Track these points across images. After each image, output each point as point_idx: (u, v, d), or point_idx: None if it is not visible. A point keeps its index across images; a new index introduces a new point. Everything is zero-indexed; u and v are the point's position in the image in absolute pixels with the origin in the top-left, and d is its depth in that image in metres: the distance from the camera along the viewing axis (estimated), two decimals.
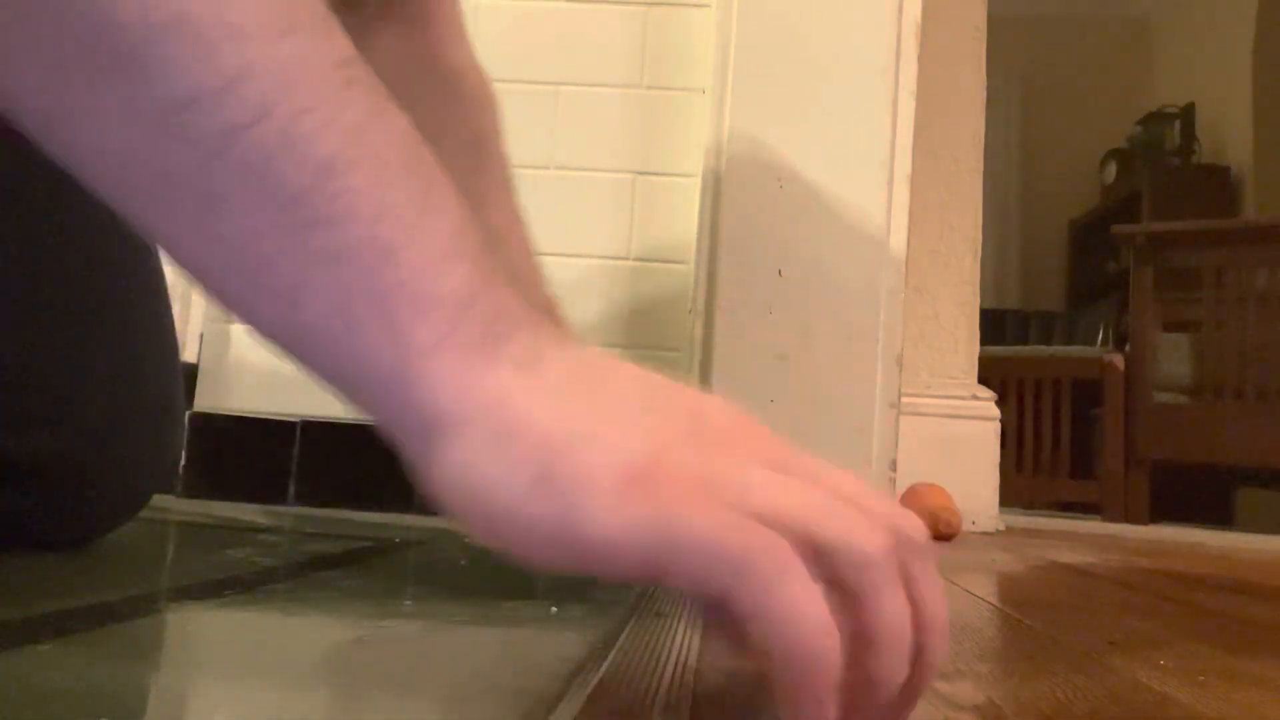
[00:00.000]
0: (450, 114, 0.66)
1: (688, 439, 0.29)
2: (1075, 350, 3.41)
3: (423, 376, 0.29)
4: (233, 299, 0.31)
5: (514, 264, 0.64)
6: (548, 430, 0.28)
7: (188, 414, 1.05)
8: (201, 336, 1.17)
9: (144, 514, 0.62)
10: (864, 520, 0.27)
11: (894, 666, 0.26)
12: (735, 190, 1.11)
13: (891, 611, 0.27)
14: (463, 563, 0.70)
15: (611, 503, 0.26)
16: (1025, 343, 3.87)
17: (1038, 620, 0.60)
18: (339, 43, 0.31)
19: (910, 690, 0.28)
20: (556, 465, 0.27)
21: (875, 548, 0.27)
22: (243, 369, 1.15)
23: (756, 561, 0.25)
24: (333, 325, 0.29)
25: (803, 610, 0.25)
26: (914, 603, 0.27)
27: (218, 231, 0.29)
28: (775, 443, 0.32)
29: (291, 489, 1.10)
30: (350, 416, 1.19)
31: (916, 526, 0.29)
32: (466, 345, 0.29)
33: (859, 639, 0.26)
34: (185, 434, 1.08)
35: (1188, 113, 4.11)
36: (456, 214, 0.31)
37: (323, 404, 1.20)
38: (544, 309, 0.63)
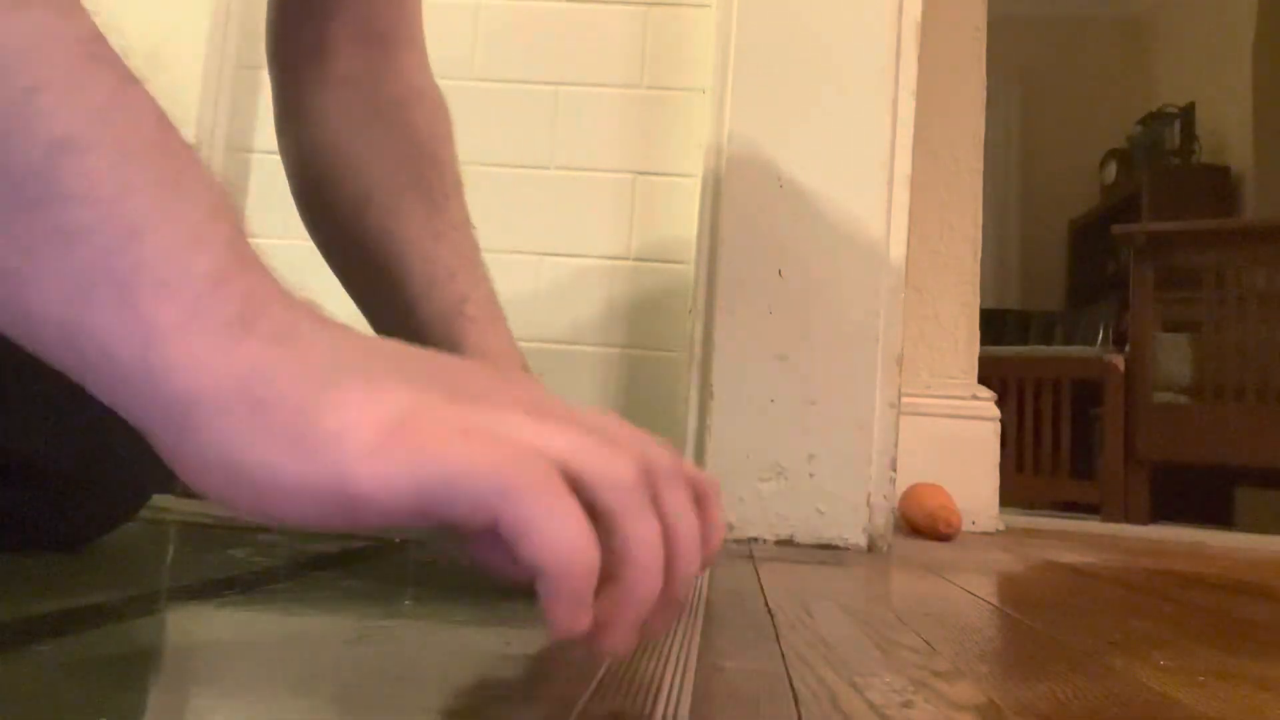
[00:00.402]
0: (407, 129, 0.68)
1: (446, 398, 0.29)
2: (1075, 350, 3.41)
3: (168, 359, 0.27)
4: None
5: (450, 267, 0.65)
6: (302, 396, 0.28)
7: None
8: None
9: (144, 514, 0.62)
10: (615, 451, 0.29)
11: (647, 580, 0.29)
12: (735, 190, 1.11)
13: (643, 529, 0.29)
14: (463, 563, 0.70)
15: (372, 453, 0.27)
16: (1025, 343, 3.87)
17: (1038, 620, 0.60)
18: (81, 19, 0.29)
19: (665, 602, 0.30)
20: (313, 427, 0.27)
21: (625, 473, 0.29)
22: None
23: (518, 479, 0.27)
24: (68, 310, 0.27)
25: (562, 521, 0.26)
26: (665, 523, 0.30)
27: None
28: (533, 394, 0.32)
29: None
30: None
31: (666, 455, 0.32)
32: (216, 326, 0.28)
33: (615, 557, 0.28)
34: None
35: (1188, 113, 4.11)
36: (209, 198, 0.30)
37: None
38: (482, 305, 0.65)
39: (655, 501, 0.30)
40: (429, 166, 0.68)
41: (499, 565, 0.34)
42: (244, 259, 0.30)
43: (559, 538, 0.26)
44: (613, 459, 0.29)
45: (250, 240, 0.31)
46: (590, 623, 0.28)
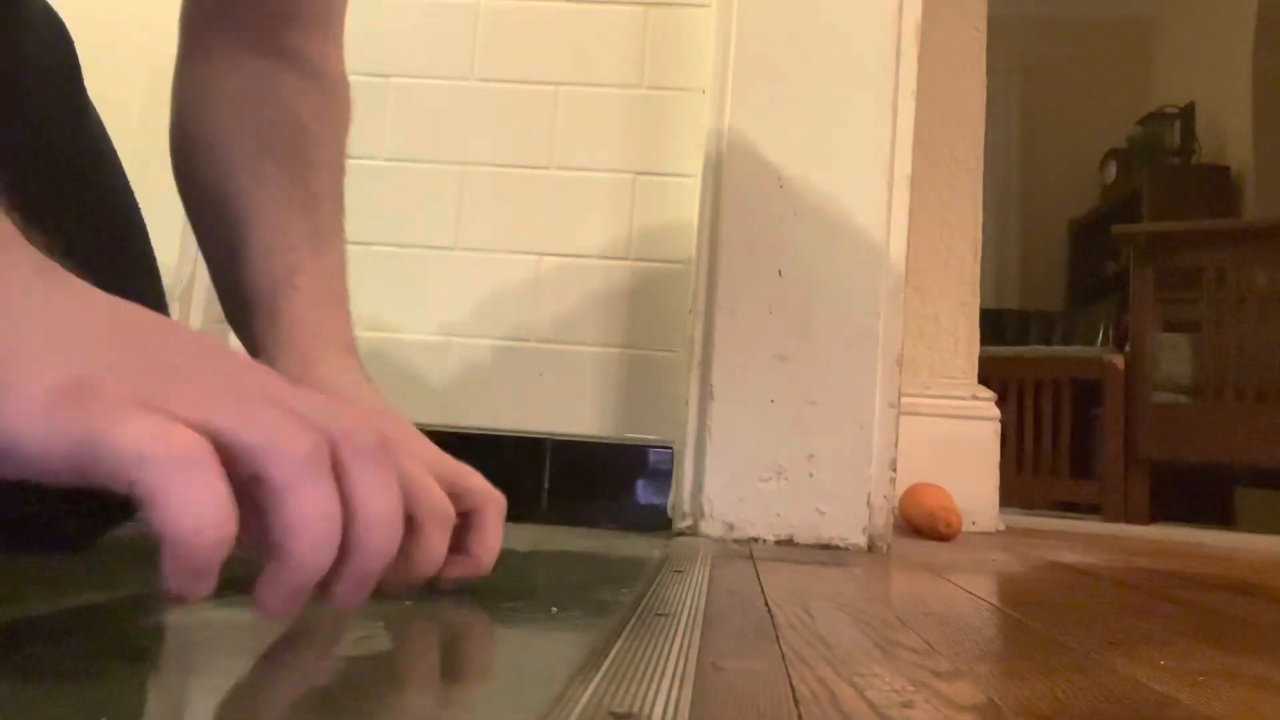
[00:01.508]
0: (289, 103, 0.67)
1: (135, 369, 0.30)
2: (1075, 350, 3.41)
3: None
4: None
5: (293, 240, 0.64)
6: None
7: None
8: None
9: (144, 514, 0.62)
10: (291, 426, 0.30)
11: (304, 552, 0.29)
12: (735, 190, 1.11)
13: (305, 503, 0.29)
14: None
15: (38, 411, 0.28)
16: (1025, 343, 3.87)
17: (1038, 620, 0.60)
18: None
19: (349, 574, 0.31)
20: None
21: (293, 447, 0.29)
22: None
23: (156, 448, 0.27)
24: None
25: (191, 493, 0.27)
26: (347, 498, 0.31)
27: None
28: (246, 375, 0.33)
29: None
30: None
31: (363, 431, 0.32)
32: None
33: (279, 528, 0.29)
34: None
35: (1188, 113, 4.11)
36: None
37: None
38: (315, 279, 0.63)
39: (340, 479, 0.31)
40: (301, 140, 0.67)
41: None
42: None
43: (185, 509, 0.27)
44: (283, 432, 0.29)
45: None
46: (212, 590, 0.29)
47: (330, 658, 0.38)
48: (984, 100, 1.73)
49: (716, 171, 1.13)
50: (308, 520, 0.29)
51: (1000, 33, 1.89)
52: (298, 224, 0.64)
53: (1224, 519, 3.09)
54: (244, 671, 0.35)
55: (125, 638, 0.38)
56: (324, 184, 0.68)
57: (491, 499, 0.52)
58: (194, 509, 0.27)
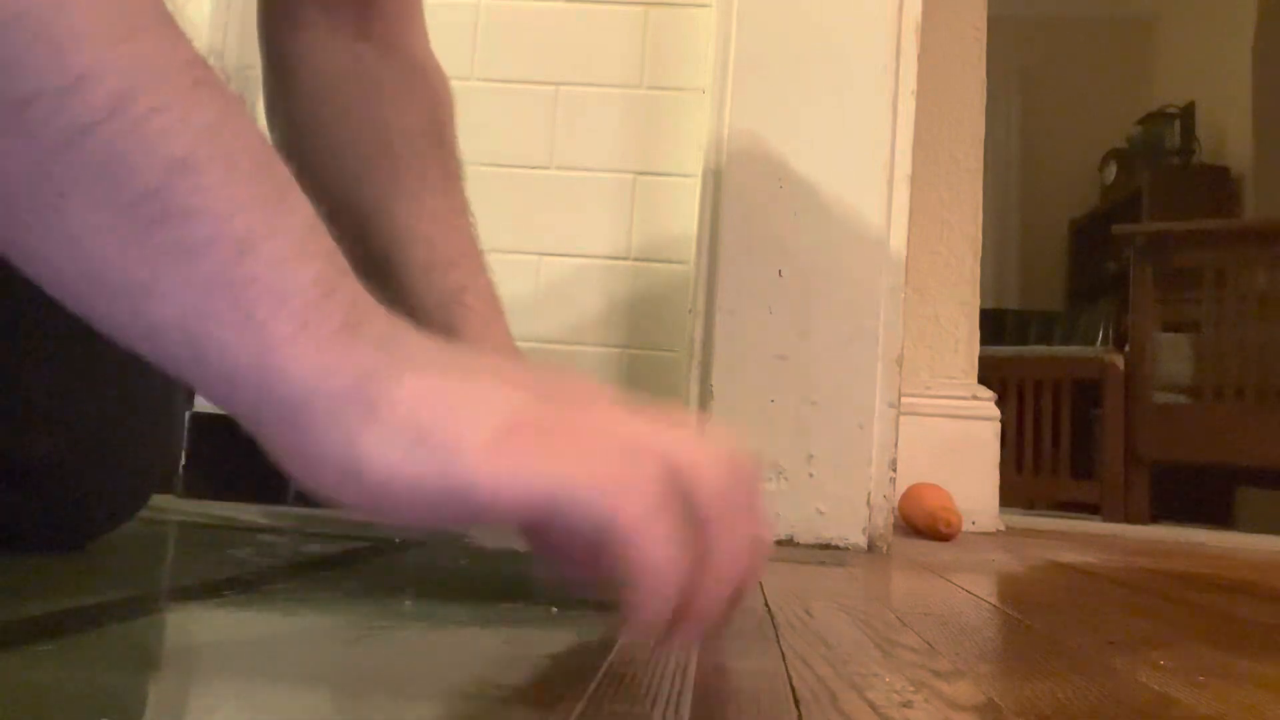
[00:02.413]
0: (406, 103, 0.65)
1: (544, 400, 0.32)
2: (1075, 350, 3.40)
3: (286, 364, 0.29)
4: (79, 300, 0.31)
5: (451, 254, 0.63)
6: (417, 399, 0.30)
7: (188, 414, 1.05)
8: None
9: (144, 514, 0.62)
10: (709, 456, 0.32)
11: (725, 584, 0.32)
12: (735, 190, 1.11)
13: (734, 537, 0.32)
14: (463, 563, 0.70)
15: (489, 455, 0.29)
16: (1025, 343, 3.87)
17: (1038, 620, 0.60)
18: (184, 44, 0.31)
19: (732, 602, 0.33)
20: (431, 428, 0.29)
21: (719, 481, 0.32)
22: None
23: (627, 499, 0.29)
24: (189, 320, 0.29)
25: (663, 541, 0.29)
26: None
27: (60, 230, 0.29)
28: (618, 399, 0.34)
29: (292, 489, 1.10)
30: None
31: (745, 465, 0.34)
32: (326, 332, 0.30)
33: (700, 556, 0.31)
34: (185, 434, 1.08)
35: (1188, 113, 4.11)
36: (307, 212, 0.32)
37: None
38: (481, 296, 0.63)
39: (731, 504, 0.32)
40: (434, 147, 0.66)
41: (565, 565, 0.37)
42: (343, 270, 0.32)
43: (658, 556, 0.29)
44: (708, 465, 0.32)
45: (340, 253, 0.32)
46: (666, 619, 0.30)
47: (331, 658, 0.38)
48: (984, 100, 1.72)
49: (716, 171, 1.13)
50: (730, 553, 0.32)
51: (1000, 33, 1.89)
52: (447, 239, 0.63)
53: (1224, 519, 3.09)
54: (245, 672, 0.35)
55: (125, 638, 0.38)
56: (457, 191, 0.66)
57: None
58: (666, 557, 0.29)
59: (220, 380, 0.30)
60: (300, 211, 0.31)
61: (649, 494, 0.29)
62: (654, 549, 0.29)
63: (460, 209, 0.66)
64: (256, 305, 0.29)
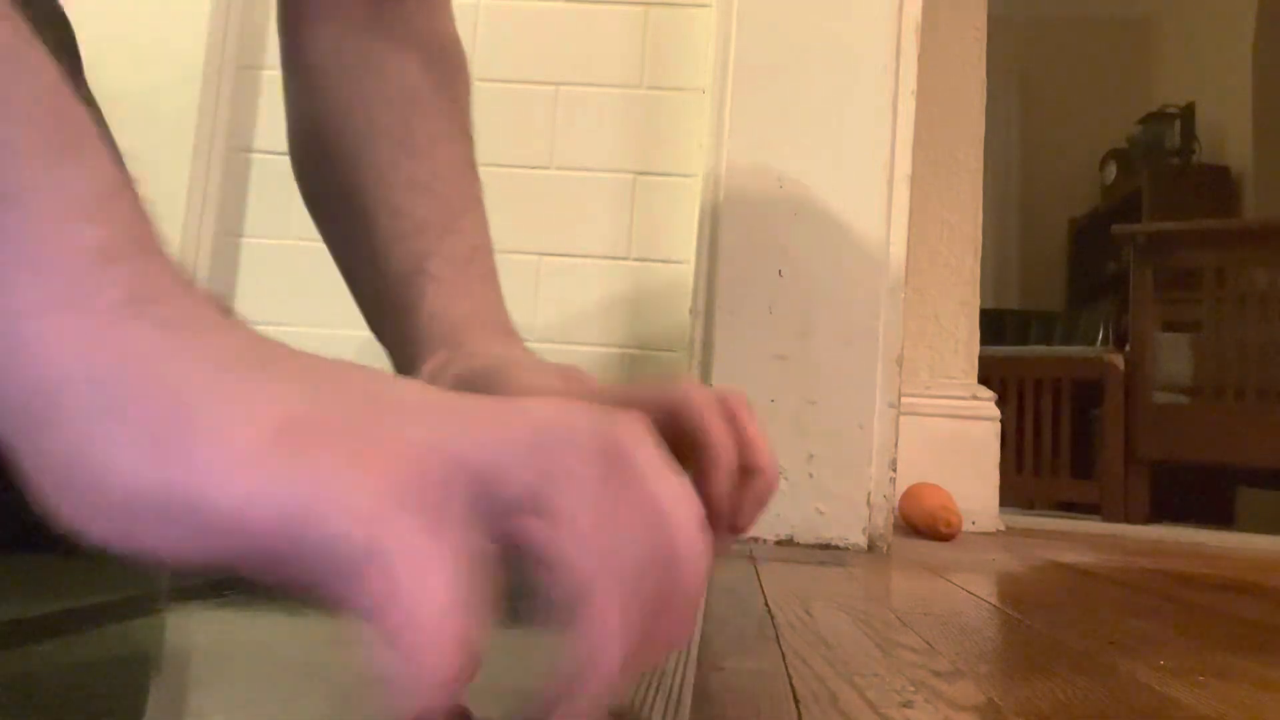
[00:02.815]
0: (399, 74, 0.62)
1: (347, 404, 0.25)
2: (1075, 350, 3.40)
3: (33, 340, 0.23)
4: None
5: (419, 221, 0.57)
6: (179, 388, 0.23)
7: None
8: None
9: None
10: (554, 453, 0.24)
11: (602, 671, 0.24)
12: (735, 190, 1.11)
13: (590, 561, 0.24)
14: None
15: (245, 460, 0.22)
16: (1025, 343, 3.87)
17: (1038, 620, 0.60)
18: None
19: (662, 628, 0.25)
20: (184, 425, 0.22)
21: (571, 482, 0.24)
22: None
23: (391, 531, 0.22)
24: None
25: (431, 592, 0.22)
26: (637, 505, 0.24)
27: None
28: (451, 403, 0.26)
29: None
30: None
31: (629, 428, 0.25)
32: (98, 306, 0.24)
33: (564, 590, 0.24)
34: None
35: (1188, 113, 4.11)
36: (107, 171, 0.26)
37: None
38: (453, 262, 0.57)
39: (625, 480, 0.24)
40: (415, 114, 0.60)
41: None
42: (143, 242, 0.25)
43: (419, 613, 0.22)
44: (554, 461, 0.24)
45: (154, 227, 0.26)
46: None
47: (330, 657, 0.38)
48: (984, 100, 1.72)
49: (716, 171, 1.13)
50: (603, 593, 0.24)
51: (1000, 33, 1.89)
52: (422, 205, 0.57)
53: (1224, 519, 3.09)
54: (245, 672, 0.35)
55: (125, 638, 0.38)
56: (447, 156, 0.61)
57: (738, 399, 0.41)
58: (434, 614, 0.22)
59: None
60: (96, 168, 0.25)
61: (417, 528, 0.22)
62: (414, 605, 0.22)
63: (445, 171, 0.60)
64: (9, 266, 0.23)
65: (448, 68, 0.65)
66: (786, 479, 1.06)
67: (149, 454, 0.22)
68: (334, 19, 0.62)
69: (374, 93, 0.61)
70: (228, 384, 0.23)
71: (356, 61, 0.61)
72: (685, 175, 1.21)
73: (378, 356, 1.26)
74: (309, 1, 0.62)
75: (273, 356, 0.25)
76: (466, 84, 0.65)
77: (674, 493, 0.25)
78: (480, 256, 0.58)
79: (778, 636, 0.46)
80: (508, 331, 0.56)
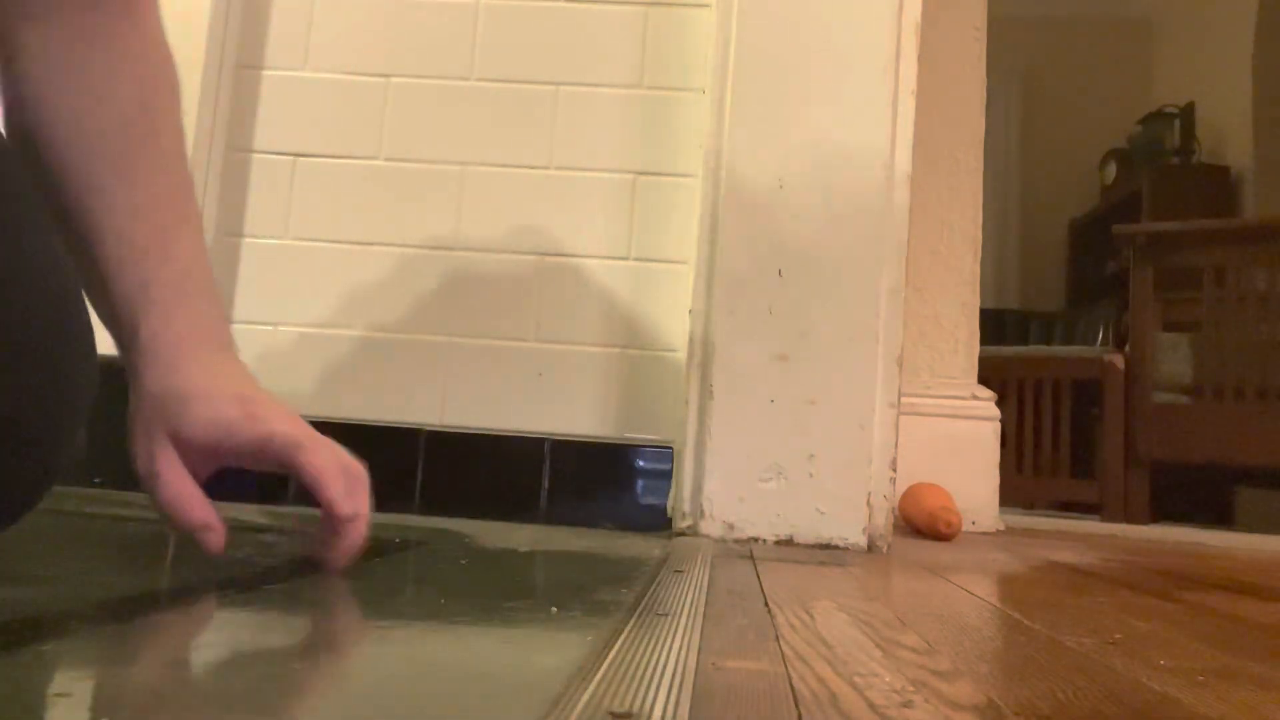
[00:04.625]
0: (118, 97, 0.63)
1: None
2: (1075, 350, 3.40)
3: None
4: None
5: (142, 245, 0.62)
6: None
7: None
8: None
9: (144, 514, 0.62)
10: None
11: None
12: (735, 190, 1.11)
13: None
14: (463, 562, 0.70)
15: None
16: (1025, 343, 3.87)
17: (1038, 620, 0.60)
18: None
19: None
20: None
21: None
22: None
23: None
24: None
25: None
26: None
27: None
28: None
29: (292, 489, 1.10)
30: (350, 416, 1.19)
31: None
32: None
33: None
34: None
35: (1188, 113, 4.11)
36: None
37: (322, 404, 1.20)
38: (168, 286, 0.62)
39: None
40: (136, 137, 0.63)
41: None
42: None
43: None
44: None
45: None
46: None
47: (331, 657, 0.38)
48: (984, 100, 1.72)
49: (716, 171, 1.13)
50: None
51: (1000, 33, 1.89)
52: (141, 231, 0.62)
53: (1224, 519, 3.09)
54: (245, 672, 0.35)
55: (126, 638, 0.38)
56: (165, 181, 0.64)
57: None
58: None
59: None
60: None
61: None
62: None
63: (164, 195, 0.64)
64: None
65: (161, 82, 0.66)
66: (786, 479, 1.06)
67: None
68: (43, 20, 0.62)
69: (92, 112, 0.63)
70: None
71: (71, 74, 0.62)
72: (685, 175, 1.21)
73: (375, 355, 1.26)
74: (26, 8, 0.62)
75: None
76: (176, 84, 0.67)
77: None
78: (197, 274, 0.64)
79: (778, 636, 0.46)
80: (222, 345, 0.63)
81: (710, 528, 1.06)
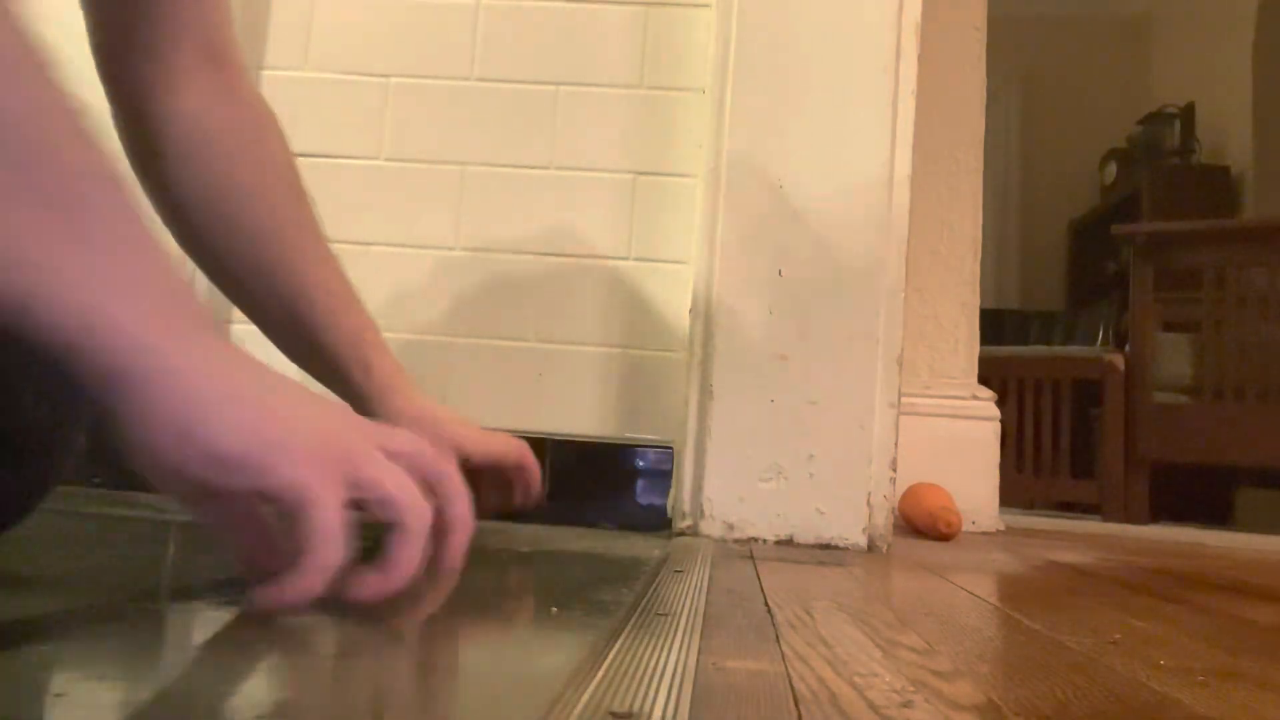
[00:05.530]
0: (271, 159, 0.68)
1: (328, 432, 0.42)
2: (1075, 350, 3.40)
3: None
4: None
5: (346, 296, 0.69)
6: (264, 397, 0.42)
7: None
8: None
9: (145, 514, 0.62)
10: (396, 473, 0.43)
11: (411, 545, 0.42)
12: (735, 190, 1.11)
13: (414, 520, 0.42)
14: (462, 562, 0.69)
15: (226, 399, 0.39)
16: (1025, 343, 3.87)
17: (1038, 620, 0.60)
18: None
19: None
20: (260, 404, 0.43)
21: (397, 490, 0.42)
22: None
23: (312, 475, 0.39)
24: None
25: (328, 509, 0.39)
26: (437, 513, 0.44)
27: None
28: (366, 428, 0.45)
29: None
30: None
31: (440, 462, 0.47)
32: (200, 338, 0.40)
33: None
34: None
35: (1188, 113, 4.10)
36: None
37: None
38: (373, 328, 0.70)
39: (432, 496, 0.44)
40: (299, 194, 0.69)
41: (245, 542, 0.44)
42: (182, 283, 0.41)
43: (325, 518, 0.39)
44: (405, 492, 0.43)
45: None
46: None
47: (331, 658, 0.38)
48: (984, 100, 1.72)
49: (716, 171, 1.13)
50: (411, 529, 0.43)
51: (1000, 33, 1.89)
52: (337, 280, 0.69)
53: (1224, 519, 3.09)
54: (245, 671, 0.35)
55: (125, 638, 0.38)
56: (316, 223, 0.70)
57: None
58: (330, 518, 0.39)
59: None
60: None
61: (325, 488, 0.39)
62: (320, 513, 0.39)
63: (329, 249, 0.71)
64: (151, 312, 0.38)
65: (285, 141, 0.71)
66: (786, 479, 1.06)
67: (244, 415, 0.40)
68: (186, 91, 0.64)
69: (254, 167, 0.67)
70: (293, 414, 0.41)
71: (225, 135, 0.65)
72: (685, 175, 1.21)
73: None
74: (158, 77, 0.64)
75: (298, 393, 0.44)
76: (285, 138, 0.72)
77: (453, 486, 0.47)
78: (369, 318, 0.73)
79: (778, 636, 0.46)
80: (409, 378, 0.72)
81: (710, 528, 1.06)
